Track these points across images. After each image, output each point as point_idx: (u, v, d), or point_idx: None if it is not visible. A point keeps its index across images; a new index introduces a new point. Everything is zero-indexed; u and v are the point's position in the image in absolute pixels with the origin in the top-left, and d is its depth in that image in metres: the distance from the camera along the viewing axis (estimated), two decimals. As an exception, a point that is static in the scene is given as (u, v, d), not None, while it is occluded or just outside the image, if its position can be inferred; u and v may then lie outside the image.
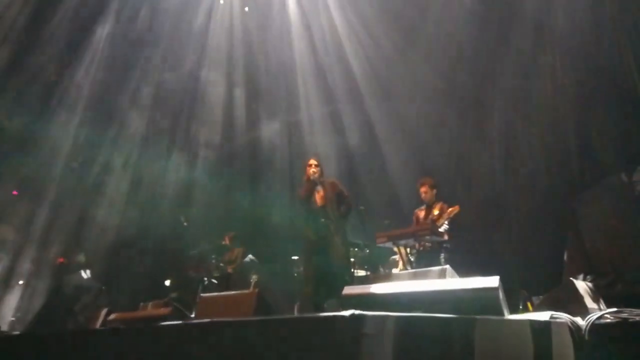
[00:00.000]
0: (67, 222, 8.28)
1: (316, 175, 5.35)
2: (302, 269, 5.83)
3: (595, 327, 2.23)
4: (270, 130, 9.36)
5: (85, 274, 6.90)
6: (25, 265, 7.88)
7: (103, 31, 8.85)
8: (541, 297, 3.87)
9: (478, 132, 7.36)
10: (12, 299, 7.69)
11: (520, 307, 4.16)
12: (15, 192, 8.06)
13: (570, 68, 6.31)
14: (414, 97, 8.06)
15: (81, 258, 7.61)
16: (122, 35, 8.91)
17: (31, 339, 3.19)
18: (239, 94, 9.55)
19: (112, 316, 4.05)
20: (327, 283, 4.95)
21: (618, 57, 5.69)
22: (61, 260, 7.85)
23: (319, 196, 5.32)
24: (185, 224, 7.52)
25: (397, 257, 5.44)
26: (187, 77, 9.38)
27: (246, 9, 9.31)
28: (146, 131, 9.31)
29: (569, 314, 2.34)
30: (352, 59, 8.60)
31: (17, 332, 5.94)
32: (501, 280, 2.28)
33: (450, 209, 5.16)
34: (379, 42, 8.29)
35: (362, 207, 5.61)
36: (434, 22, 7.65)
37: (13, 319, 7.52)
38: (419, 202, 5.67)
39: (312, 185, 5.36)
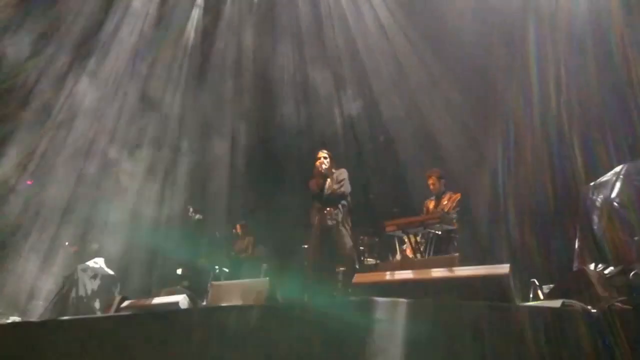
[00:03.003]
0: (81, 209, 8.37)
1: (325, 167, 5.36)
2: (310, 258, 5.85)
3: (607, 314, 2.22)
4: (283, 118, 9.36)
5: (99, 262, 7.01)
6: (40, 254, 7.99)
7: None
8: (551, 286, 3.87)
9: (489, 124, 7.32)
10: (27, 287, 7.81)
11: (531, 296, 4.14)
12: (29, 182, 8.16)
13: (574, 63, 6.27)
14: (426, 89, 8.02)
15: (95, 246, 7.72)
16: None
17: (47, 326, 3.27)
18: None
19: (125, 303, 4.11)
20: (334, 272, 5.00)
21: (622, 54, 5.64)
22: (75, 248, 7.96)
23: (328, 188, 5.32)
24: (198, 217, 7.57)
25: (406, 246, 5.44)
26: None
27: None
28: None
29: (580, 301, 2.34)
30: (363, 52, 8.58)
31: (33, 320, 6.06)
32: (511, 269, 2.28)
33: (453, 197, 5.15)
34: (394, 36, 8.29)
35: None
36: (446, 25, 7.65)
37: (28, 306, 7.65)
38: (429, 194, 5.66)
39: (321, 177, 5.36)
